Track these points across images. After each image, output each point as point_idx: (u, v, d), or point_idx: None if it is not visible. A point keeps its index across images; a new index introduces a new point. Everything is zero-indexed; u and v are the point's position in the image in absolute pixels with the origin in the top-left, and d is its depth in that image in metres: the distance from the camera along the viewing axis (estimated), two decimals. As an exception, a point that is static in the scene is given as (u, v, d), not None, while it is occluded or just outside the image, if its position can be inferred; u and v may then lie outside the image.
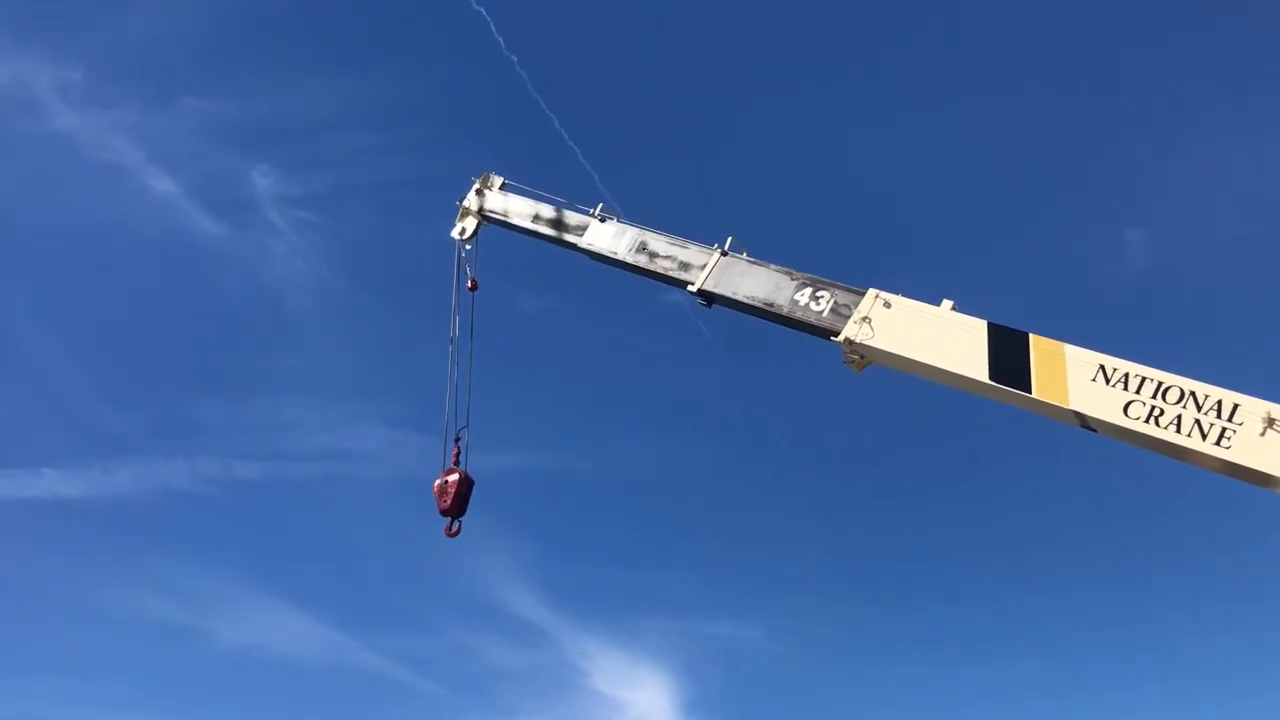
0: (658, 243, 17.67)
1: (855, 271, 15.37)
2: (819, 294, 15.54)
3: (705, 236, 17.07)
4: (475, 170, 20.66)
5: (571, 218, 18.91)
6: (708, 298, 16.71)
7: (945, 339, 14.09)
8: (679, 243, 17.42)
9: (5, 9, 45.97)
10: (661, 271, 17.42)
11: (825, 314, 15.27)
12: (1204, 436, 12.08)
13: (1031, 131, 47.99)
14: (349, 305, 49.70)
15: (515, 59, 36.49)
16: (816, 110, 49.38)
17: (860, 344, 14.60)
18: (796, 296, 15.73)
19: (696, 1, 48.36)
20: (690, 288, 16.76)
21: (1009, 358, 13.61)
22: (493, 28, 36.67)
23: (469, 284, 20.89)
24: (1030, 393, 13.30)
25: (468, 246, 20.76)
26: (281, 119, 48.16)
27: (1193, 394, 12.32)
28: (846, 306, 15.12)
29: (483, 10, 36.43)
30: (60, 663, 42.51)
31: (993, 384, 13.60)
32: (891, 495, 48.51)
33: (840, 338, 14.76)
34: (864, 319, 14.67)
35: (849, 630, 45.34)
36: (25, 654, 42.29)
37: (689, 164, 50.02)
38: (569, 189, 19.44)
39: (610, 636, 45.58)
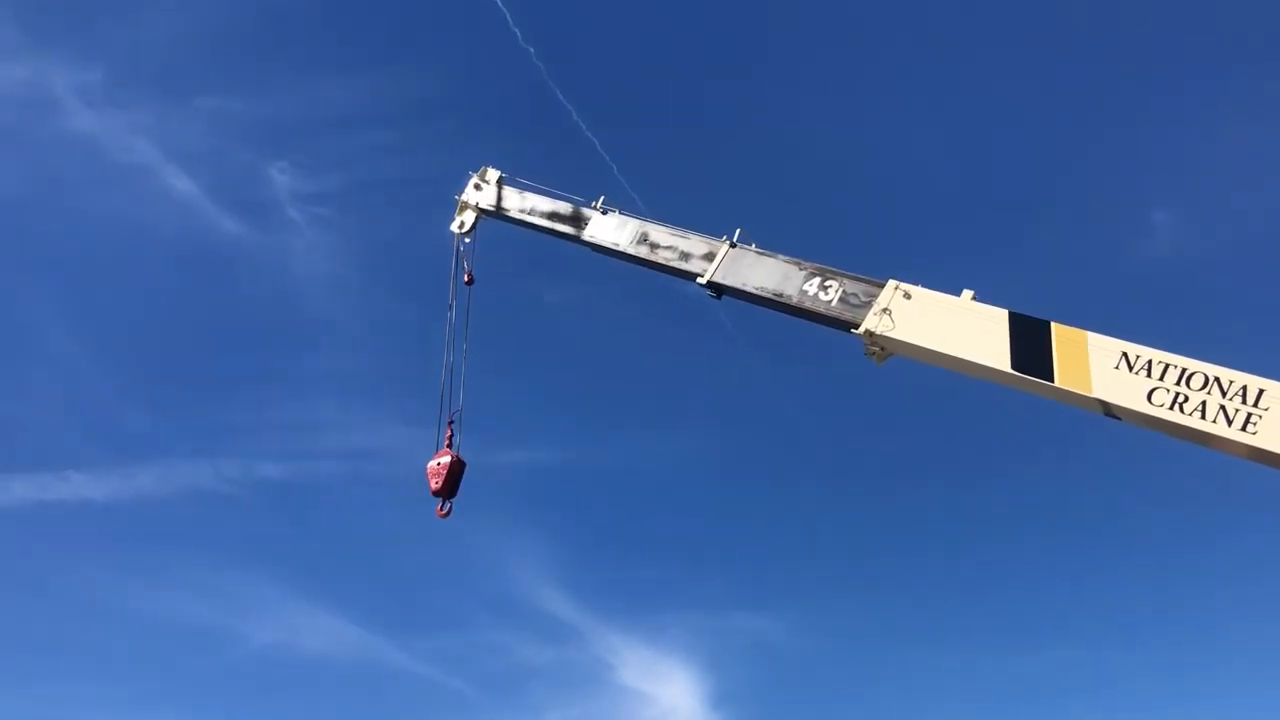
0: (659, 233, 17.61)
1: (874, 263, 15.34)
2: (827, 283, 15.55)
3: (722, 228, 16.98)
4: (492, 164, 20.37)
5: (575, 211, 18.77)
6: (717, 289, 16.66)
7: (966, 329, 14.08)
8: (680, 233, 17.34)
9: (23, 10, 45.23)
10: (663, 262, 17.36)
11: (834, 303, 15.29)
12: (1229, 422, 12.08)
13: (1051, 114, 47.67)
14: (369, 303, 49.16)
15: (532, 50, 36.21)
16: (834, 97, 49.14)
17: (881, 336, 14.57)
18: (805, 287, 15.72)
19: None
20: (699, 280, 16.69)
21: (1031, 347, 13.61)
22: (509, 20, 36.39)
23: (465, 278, 20.74)
24: (1053, 381, 13.30)
25: (466, 240, 20.59)
26: (299, 116, 47.80)
27: (1217, 379, 12.34)
28: (855, 295, 15.13)
29: (499, 1, 36.11)
30: (89, 665, 42.20)
31: (1015, 373, 13.59)
32: (916, 487, 48.43)
33: (861, 330, 14.73)
34: (884, 311, 14.63)
35: (874, 623, 45.22)
36: (54, 657, 41.76)
37: (707, 155, 49.83)
38: (587, 180, 19.30)
39: (637, 632, 45.40)
